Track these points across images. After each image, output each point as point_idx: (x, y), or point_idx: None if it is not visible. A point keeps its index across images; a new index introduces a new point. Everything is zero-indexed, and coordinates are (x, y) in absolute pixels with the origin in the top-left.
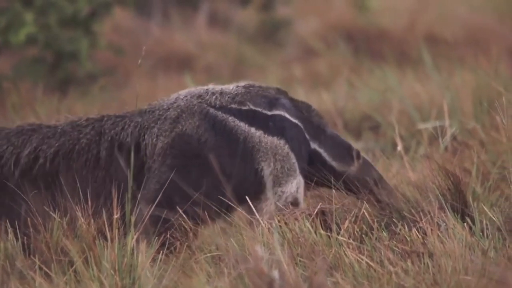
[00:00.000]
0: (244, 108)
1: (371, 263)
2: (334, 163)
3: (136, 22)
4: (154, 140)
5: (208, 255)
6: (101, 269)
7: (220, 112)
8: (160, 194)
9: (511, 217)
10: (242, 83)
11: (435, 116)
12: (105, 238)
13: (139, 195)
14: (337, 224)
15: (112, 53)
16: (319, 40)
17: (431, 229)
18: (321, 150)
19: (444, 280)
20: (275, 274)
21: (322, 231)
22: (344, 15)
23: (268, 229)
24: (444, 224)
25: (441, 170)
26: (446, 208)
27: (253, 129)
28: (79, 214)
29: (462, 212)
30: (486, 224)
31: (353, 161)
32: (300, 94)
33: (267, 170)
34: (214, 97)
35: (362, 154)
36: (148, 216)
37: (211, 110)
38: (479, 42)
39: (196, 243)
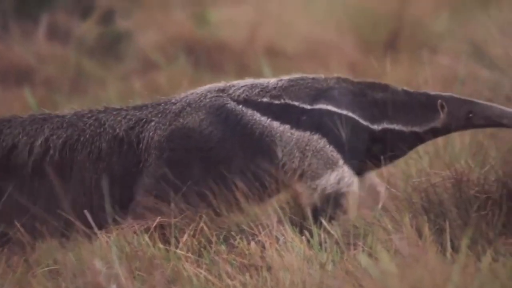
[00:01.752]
0: (276, 102)
1: (209, 277)
2: (415, 128)
3: None
4: (151, 133)
5: (46, 269)
6: None
7: (240, 106)
8: (158, 187)
9: (348, 230)
10: (290, 76)
11: None
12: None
13: (135, 189)
14: (176, 238)
15: None
16: (159, 52)
17: (270, 243)
18: (393, 126)
19: None
20: None
21: (160, 245)
22: (184, 28)
23: (106, 242)
24: (283, 237)
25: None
26: (285, 221)
27: (275, 124)
28: None
29: (301, 225)
30: (324, 238)
31: (438, 113)
32: None
33: (289, 165)
34: (240, 90)
35: (447, 94)
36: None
37: (229, 104)
38: (319, 55)
39: (34, 257)
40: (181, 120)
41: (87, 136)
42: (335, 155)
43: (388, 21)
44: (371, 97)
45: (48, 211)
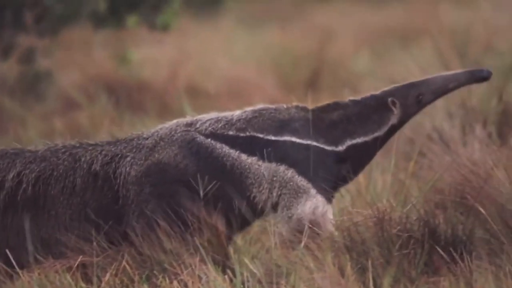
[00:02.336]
0: (241, 134)
1: None
2: (376, 133)
3: None
4: (127, 169)
5: None
6: None
7: (208, 140)
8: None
9: (271, 269)
10: (253, 107)
11: None
12: None
13: (128, 228)
14: (98, 277)
15: None
16: (80, 92)
17: (192, 282)
18: (356, 140)
19: None
20: None
21: (82, 284)
22: (105, 67)
23: (28, 282)
24: (206, 276)
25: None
26: (207, 260)
27: (244, 156)
28: None
29: (223, 264)
30: (247, 277)
31: (391, 111)
32: None
33: (260, 197)
34: (206, 124)
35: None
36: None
37: (198, 138)
38: (240, 94)
39: None
40: (156, 155)
41: (61, 171)
42: (305, 184)
43: (309, 60)
44: (328, 120)
45: None
